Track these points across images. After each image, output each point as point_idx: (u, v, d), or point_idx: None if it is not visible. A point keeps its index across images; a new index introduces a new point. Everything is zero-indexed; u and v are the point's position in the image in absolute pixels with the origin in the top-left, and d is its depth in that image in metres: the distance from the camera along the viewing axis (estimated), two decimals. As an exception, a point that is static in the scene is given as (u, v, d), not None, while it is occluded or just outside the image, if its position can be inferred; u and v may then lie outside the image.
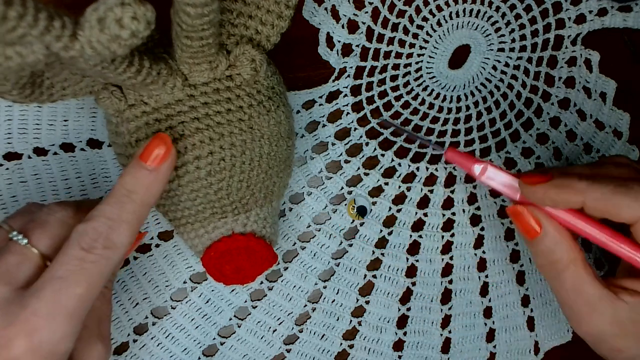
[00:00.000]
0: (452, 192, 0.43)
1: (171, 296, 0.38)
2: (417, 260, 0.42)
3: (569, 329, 0.44)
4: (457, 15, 0.40)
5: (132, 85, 0.28)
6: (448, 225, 0.43)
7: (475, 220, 0.43)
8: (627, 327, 0.30)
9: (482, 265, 0.43)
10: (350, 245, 0.41)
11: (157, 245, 0.38)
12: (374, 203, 0.41)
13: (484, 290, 0.43)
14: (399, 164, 0.41)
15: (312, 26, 0.38)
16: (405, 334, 0.42)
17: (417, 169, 0.42)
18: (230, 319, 0.39)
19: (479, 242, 0.43)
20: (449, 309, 0.42)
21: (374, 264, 0.41)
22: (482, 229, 0.43)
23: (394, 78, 0.41)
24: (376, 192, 0.41)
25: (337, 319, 0.41)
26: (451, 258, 0.42)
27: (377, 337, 0.41)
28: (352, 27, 0.39)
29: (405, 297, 0.42)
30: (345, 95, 0.40)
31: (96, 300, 0.27)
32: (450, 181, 0.42)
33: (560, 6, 0.42)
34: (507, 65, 0.42)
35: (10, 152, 0.35)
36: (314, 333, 0.41)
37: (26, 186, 0.35)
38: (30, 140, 0.35)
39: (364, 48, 0.40)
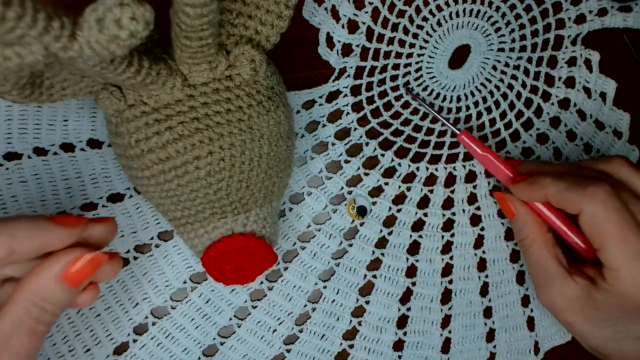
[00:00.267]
0: (452, 192, 0.43)
1: (171, 296, 0.38)
2: (417, 260, 0.42)
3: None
4: (457, 15, 0.40)
5: (131, 86, 0.28)
6: (448, 225, 0.43)
7: (475, 220, 0.43)
8: (574, 304, 0.35)
9: (482, 265, 0.43)
10: (350, 245, 0.41)
11: (157, 245, 0.38)
12: (374, 203, 0.41)
13: (484, 290, 0.43)
14: (399, 164, 0.41)
15: (312, 26, 0.38)
16: (405, 334, 0.42)
17: (417, 169, 0.42)
18: (230, 319, 0.39)
19: (479, 242, 0.43)
20: (449, 309, 0.42)
21: (374, 264, 0.41)
22: (482, 229, 0.43)
23: (394, 78, 0.41)
24: (376, 192, 0.41)
25: (337, 319, 0.41)
26: (451, 258, 0.42)
27: (377, 337, 0.41)
28: (352, 27, 0.39)
29: (405, 297, 0.42)
30: (345, 95, 0.40)
31: None
32: (450, 181, 0.42)
33: (560, 6, 0.42)
34: (507, 65, 0.42)
35: (10, 152, 0.35)
36: (314, 333, 0.41)
37: (26, 186, 0.35)
38: (30, 140, 0.35)
39: (364, 48, 0.40)
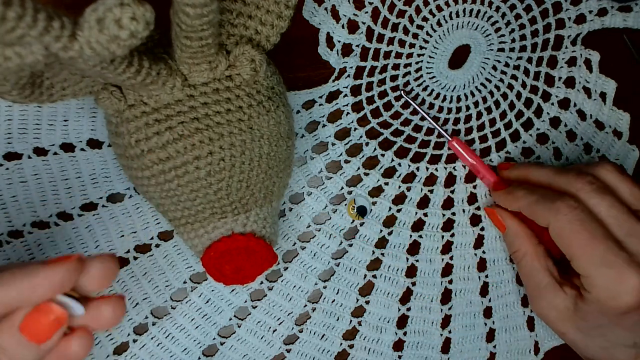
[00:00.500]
0: (452, 192, 0.43)
1: (171, 296, 0.38)
2: (417, 260, 0.42)
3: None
4: (457, 15, 0.40)
5: (131, 86, 0.28)
6: (448, 225, 0.43)
7: (475, 220, 0.43)
8: (564, 314, 0.36)
9: (482, 265, 0.43)
10: (350, 245, 0.41)
11: (157, 245, 0.38)
12: (374, 203, 0.41)
13: (484, 290, 0.43)
14: (399, 164, 0.41)
15: (312, 26, 0.38)
16: (405, 334, 0.42)
17: (417, 169, 0.42)
18: (230, 319, 0.39)
19: (479, 242, 0.43)
20: (449, 309, 0.42)
21: (374, 264, 0.41)
22: (482, 229, 0.43)
23: (394, 78, 0.41)
24: (376, 192, 0.41)
25: (337, 319, 0.41)
26: (451, 258, 0.42)
27: (377, 337, 0.41)
28: (352, 27, 0.39)
29: (405, 297, 0.42)
30: (345, 95, 0.40)
31: None
32: (450, 181, 0.42)
33: (560, 6, 0.42)
34: (507, 65, 0.42)
35: (10, 152, 0.35)
36: (314, 333, 0.41)
37: (26, 186, 0.35)
38: (30, 140, 0.35)
39: (364, 48, 0.40)
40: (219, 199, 0.31)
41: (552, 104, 0.43)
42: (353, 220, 0.41)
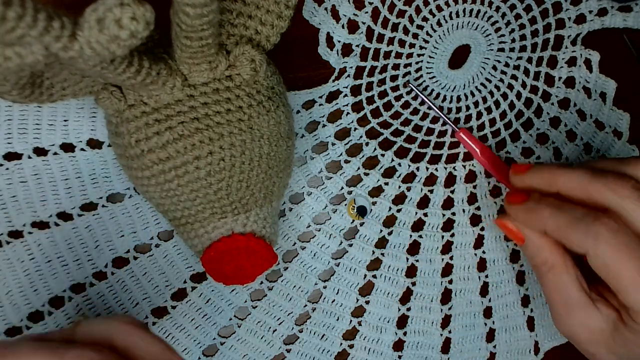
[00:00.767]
0: (452, 192, 0.43)
1: (171, 296, 0.38)
2: (417, 260, 0.42)
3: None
4: (457, 15, 0.40)
5: (131, 86, 0.28)
6: (448, 225, 0.43)
7: (475, 220, 0.43)
8: (598, 336, 0.32)
9: (482, 265, 0.43)
10: (350, 245, 0.41)
11: (157, 245, 0.38)
12: (374, 203, 0.41)
13: (484, 290, 0.43)
14: (399, 164, 0.41)
15: (312, 26, 0.38)
16: (405, 334, 0.42)
17: (417, 169, 0.42)
18: (230, 319, 0.39)
19: (479, 242, 0.43)
20: (449, 309, 0.42)
21: (374, 264, 0.41)
22: (482, 229, 0.43)
23: (394, 78, 0.41)
24: (376, 192, 0.41)
25: (337, 319, 0.41)
26: (451, 258, 0.42)
27: (377, 337, 0.41)
28: (352, 27, 0.39)
29: (405, 297, 0.42)
30: (345, 95, 0.40)
31: None
32: (450, 181, 0.42)
33: (560, 6, 0.42)
34: (507, 65, 0.42)
35: (10, 152, 0.35)
36: (314, 333, 0.41)
37: (26, 186, 0.35)
38: (30, 140, 0.35)
39: (364, 48, 0.40)
40: (219, 199, 0.31)
41: (552, 104, 0.43)
42: (353, 220, 0.41)
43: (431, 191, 0.42)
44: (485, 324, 0.43)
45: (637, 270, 0.28)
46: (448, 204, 0.43)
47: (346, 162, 0.41)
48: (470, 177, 0.43)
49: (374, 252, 0.41)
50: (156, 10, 0.22)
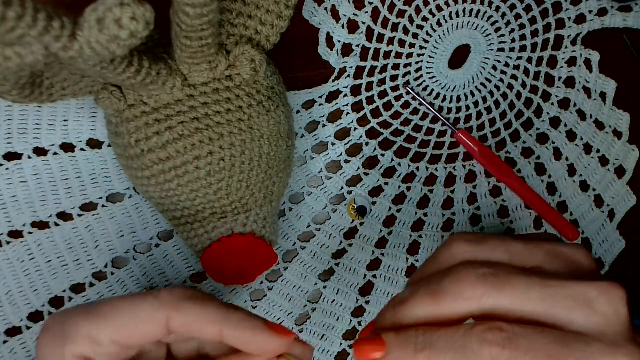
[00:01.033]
0: (452, 192, 0.43)
1: (171, 296, 0.38)
2: (417, 260, 0.42)
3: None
4: (457, 15, 0.40)
5: (131, 86, 0.28)
6: (448, 225, 0.43)
7: (475, 220, 0.43)
8: None
9: (482, 265, 0.43)
10: (350, 245, 0.41)
11: (157, 245, 0.38)
12: (374, 203, 0.41)
13: (484, 290, 0.43)
14: (399, 164, 0.41)
15: (312, 26, 0.38)
16: (405, 334, 0.42)
17: (417, 169, 0.42)
18: (230, 319, 0.39)
19: (479, 242, 0.43)
20: (449, 309, 0.42)
21: (374, 264, 0.41)
22: (482, 229, 0.43)
23: (394, 78, 0.41)
24: (376, 192, 0.41)
25: (337, 319, 0.41)
26: (451, 258, 0.42)
27: (377, 337, 0.41)
28: (352, 27, 0.39)
29: (405, 297, 0.42)
30: (345, 95, 0.40)
31: None
32: (450, 181, 0.42)
33: (560, 6, 0.42)
34: (507, 65, 0.42)
35: (10, 152, 0.35)
36: (314, 333, 0.41)
37: (26, 186, 0.35)
38: (30, 140, 0.35)
39: (364, 48, 0.40)
40: (219, 199, 0.31)
41: (552, 104, 0.43)
42: (353, 220, 0.41)
43: (431, 191, 0.42)
44: (485, 324, 0.43)
45: None
46: (448, 204, 0.43)
47: (346, 162, 0.41)
48: (470, 177, 0.43)
49: (374, 252, 0.41)
50: (156, 10, 0.22)
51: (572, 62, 0.43)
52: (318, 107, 0.40)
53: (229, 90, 0.30)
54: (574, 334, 0.22)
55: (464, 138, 0.41)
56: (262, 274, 0.36)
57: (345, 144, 0.41)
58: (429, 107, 0.41)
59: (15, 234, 0.35)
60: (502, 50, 0.42)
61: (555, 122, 0.43)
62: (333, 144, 0.40)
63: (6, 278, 0.35)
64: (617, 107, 0.43)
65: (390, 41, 0.40)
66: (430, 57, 0.41)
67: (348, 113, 0.40)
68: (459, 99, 0.42)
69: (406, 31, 0.40)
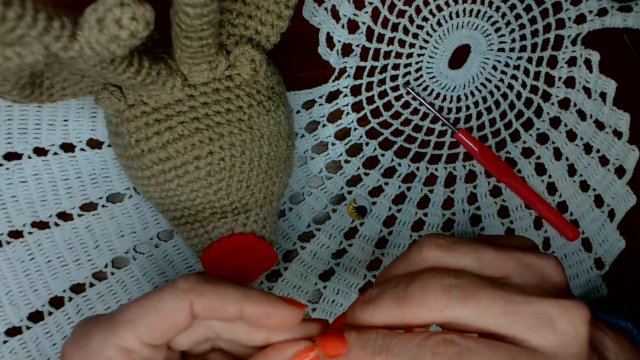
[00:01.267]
0: (452, 192, 0.43)
1: (171, 296, 0.38)
2: (417, 260, 0.42)
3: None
4: (457, 15, 0.40)
5: (131, 86, 0.28)
6: (448, 225, 0.43)
7: (475, 220, 0.43)
8: None
9: (482, 265, 0.43)
10: (350, 245, 0.41)
11: (157, 246, 0.38)
12: (374, 203, 0.41)
13: (484, 290, 0.43)
14: (399, 164, 0.41)
15: (312, 26, 0.38)
16: (405, 334, 0.42)
17: (417, 169, 0.42)
18: (230, 319, 0.39)
19: (479, 242, 0.43)
20: (449, 309, 0.42)
21: (374, 264, 0.41)
22: (482, 229, 0.43)
23: (394, 78, 0.41)
24: (376, 192, 0.41)
25: (337, 319, 0.41)
26: (451, 258, 0.42)
27: (377, 337, 0.41)
28: (352, 27, 0.39)
29: (405, 297, 0.42)
30: (345, 95, 0.40)
31: None
32: (450, 181, 0.42)
33: (560, 6, 0.42)
34: (507, 65, 0.42)
35: (10, 152, 0.35)
36: (314, 333, 0.41)
37: (26, 186, 0.35)
38: (30, 140, 0.35)
39: (364, 48, 0.40)
40: (219, 199, 0.31)
41: (552, 104, 0.43)
42: (353, 220, 0.41)
43: (431, 191, 0.42)
44: (485, 324, 0.43)
45: None
46: (448, 204, 0.43)
47: (346, 162, 0.41)
48: (470, 177, 0.43)
49: (374, 252, 0.41)
50: (156, 10, 0.22)
51: (572, 62, 0.43)
52: (318, 107, 0.40)
53: (229, 90, 0.30)
54: (528, 351, 0.23)
55: (464, 138, 0.41)
56: (262, 274, 0.36)
57: (345, 144, 0.41)
58: (429, 107, 0.41)
59: (15, 234, 0.35)
60: (502, 50, 0.42)
61: (555, 122, 0.43)
62: (333, 144, 0.40)
63: (6, 278, 0.35)
64: (617, 107, 0.43)
65: (390, 41, 0.40)
66: (430, 57, 0.41)
67: (348, 113, 0.40)
68: (459, 99, 0.42)
69: (406, 31, 0.40)
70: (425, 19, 0.40)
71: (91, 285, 0.37)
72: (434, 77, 0.41)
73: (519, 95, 0.43)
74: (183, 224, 0.33)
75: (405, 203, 0.42)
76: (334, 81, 0.40)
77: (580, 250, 0.45)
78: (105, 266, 0.37)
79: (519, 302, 0.23)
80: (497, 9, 0.41)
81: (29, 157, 0.35)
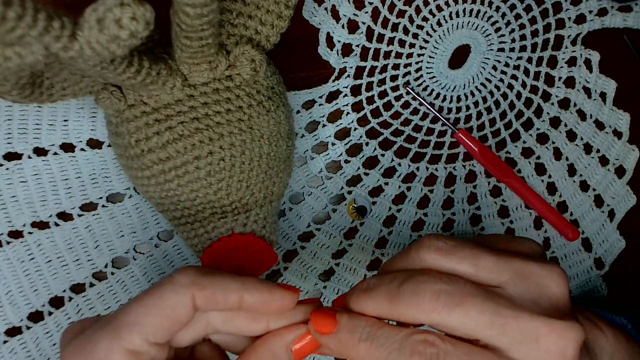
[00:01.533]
0: (452, 192, 0.43)
1: (171, 296, 0.38)
2: (417, 260, 0.42)
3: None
4: (457, 15, 0.40)
5: (131, 86, 0.28)
6: (448, 225, 0.43)
7: (475, 220, 0.43)
8: None
9: (482, 265, 0.43)
10: (350, 245, 0.41)
11: (157, 246, 0.38)
12: (374, 203, 0.41)
13: (484, 290, 0.43)
14: (399, 164, 0.41)
15: (312, 26, 0.38)
16: (405, 334, 0.42)
17: (417, 169, 0.42)
18: (230, 319, 0.39)
19: (479, 242, 0.43)
20: (449, 309, 0.42)
21: (374, 264, 0.41)
22: (482, 228, 0.43)
23: (394, 78, 0.41)
24: (376, 192, 0.41)
25: (337, 319, 0.41)
26: (451, 258, 0.42)
27: (377, 337, 0.41)
28: (352, 27, 0.39)
29: (405, 297, 0.42)
30: (345, 95, 0.40)
31: None
32: (450, 181, 0.42)
33: (560, 6, 0.42)
34: (507, 65, 0.42)
35: (10, 152, 0.35)
36: (314, 333, 0.41)
37: (26, 186, 0.35)
38: (30, 140, 0.35)
39: (364, 48, 0.40)
40: (219, 199, 0.31)
41: (552, 104, 0.43)
42: (353, 220, 0.41)
43: (431, 191, 0.42)
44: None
45: None
46: (448, 204, 0.43)
47: (346, 162, 0.41)
48: (470, 177, 0.43)
49: (374, 252, 0.41)
50: (156, 10, 0.22)
51: (572, 62, 0.43)
52: (318, 107, 0.40)
53: (229, 90, 0.30)
54: None
55: (464, 138, 0.41)
56: (262, 274, 0.36)
57: (345, 144, 0.41)
58: (429, 107, 0.41)
59: (15, 234, 0.35)
60: (502, 50, 0.42)
61: (555, 122, 0.43)
62: (333, 144, 0.40)
63: (6, 278, 0.35)
64: (617, 107, 0.43)
65: (390, 41, 0.40)
66: (430, 57, 0.41)
67: (348, 113, 0.40)
68: (459, 99, 0.42)
69: (406, 31, 0.40)
70: (425, 19, 0.40)
71: (91, 285, 0.37)
72: (434, 77, 0.41)
73: (519, 95, 0.43)
74: (183, 224, 0.33)
75: (405, 203, 0.42)
76: (334, 81, 0.40)
77: (580, 250, 0.45)
78: (105, 266, 0.37)
79: (507, 316, 0.23)
80: (497, 9, 0.41)
81: (29, 157, 0.35)
